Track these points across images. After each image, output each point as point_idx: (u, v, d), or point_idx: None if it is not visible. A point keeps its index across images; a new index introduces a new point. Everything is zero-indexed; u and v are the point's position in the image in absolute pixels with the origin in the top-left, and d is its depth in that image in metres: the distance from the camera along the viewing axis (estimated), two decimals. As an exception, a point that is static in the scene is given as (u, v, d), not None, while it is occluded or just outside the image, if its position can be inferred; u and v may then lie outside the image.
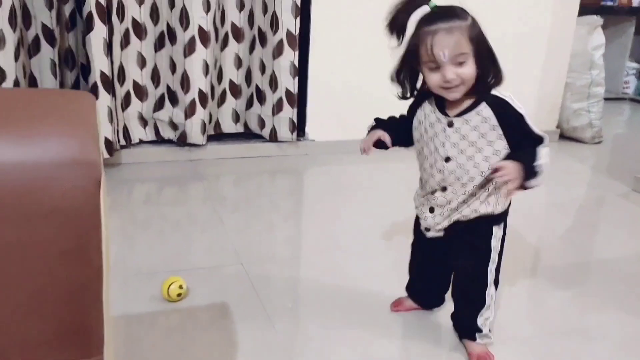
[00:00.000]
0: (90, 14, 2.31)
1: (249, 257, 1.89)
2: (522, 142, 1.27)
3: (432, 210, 1.35)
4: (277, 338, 1.48)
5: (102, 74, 2.40)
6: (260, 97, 2.86)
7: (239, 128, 2.97)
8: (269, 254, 1.96)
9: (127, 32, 2.55)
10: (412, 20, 1.19)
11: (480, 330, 1.42)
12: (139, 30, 2.59)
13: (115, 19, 2.46)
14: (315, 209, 2.43)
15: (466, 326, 1.45)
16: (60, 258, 0.66)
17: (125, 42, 2.56)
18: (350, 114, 2.92)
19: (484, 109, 1.25)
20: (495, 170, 1.21)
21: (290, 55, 2.72)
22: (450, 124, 1.25)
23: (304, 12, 2.75)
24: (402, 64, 1.25)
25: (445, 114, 1.26)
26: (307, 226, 2.26)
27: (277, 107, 2.82)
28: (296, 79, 2.78)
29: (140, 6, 2.55)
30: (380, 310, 1.61)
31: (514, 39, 3.21)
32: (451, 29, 1.15)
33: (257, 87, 2.86)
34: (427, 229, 1.38)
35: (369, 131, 1.38)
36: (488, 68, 1.21)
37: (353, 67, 2.95)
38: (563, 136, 3.61)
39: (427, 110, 1.29)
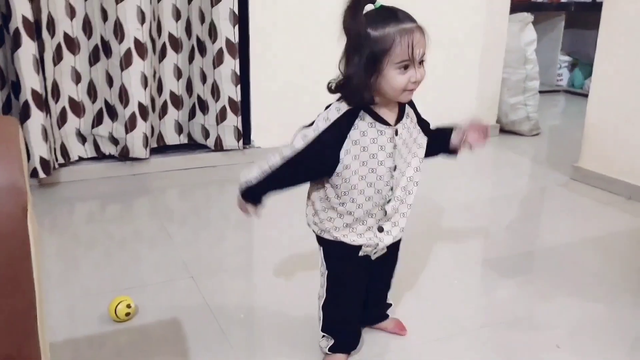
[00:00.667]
0: (17, 30, 2.22)
1: (199, 270, 1.86)
2: (426, 128, 1.32)
3: (381, 229, 1.30)
4: (232, 352, 1.46)
5: (34, 91, 2.32)
6: (203, 106, 2.82)
7: (183, 139, 2.92)
8: (220, 266, 1.93)
9: (59, 47, 2.47)
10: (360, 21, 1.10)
11: (390, 305, 1.53)
12: (72, 44, 2.51)
13: (45, 34, 2.38)
14: (266, 217, 2.40)
15: (380, 309, 1.53)
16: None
17: (57, 57, 2.47)
18: (294, 119, 2.85)
19: (409, 110, 1.27)
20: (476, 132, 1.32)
21: (231, 64, 2.70)
22: (397, 133, 1.21)
23: (241, 19, 2.73)
24: (360, 70, 1.12)
25: (386, 124, 1.20)
26: (257, 235, 2.24)
27: (221, 116, 2.79)
28: (238, 86, 2.76)
29: (71, 20, 2.48)
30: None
31: (450, 38, 3.29)
32: (421, 29, 1.13)
33: (198, 97, 2.82)
34: (375, 252, 1.33)
35: (249, 196, 1.29)
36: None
37: (294, 72, 2.95)
38: (503, 130, 3.72)
39: (363, 127, 1.18)
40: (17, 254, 0.64)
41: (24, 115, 2.34)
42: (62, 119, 2.57)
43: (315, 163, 1.22)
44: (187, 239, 2.10)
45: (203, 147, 2.92)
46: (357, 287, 1.38)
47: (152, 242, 2.07)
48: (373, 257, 1.34)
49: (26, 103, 2.32)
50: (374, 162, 1.20)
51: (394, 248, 1.39)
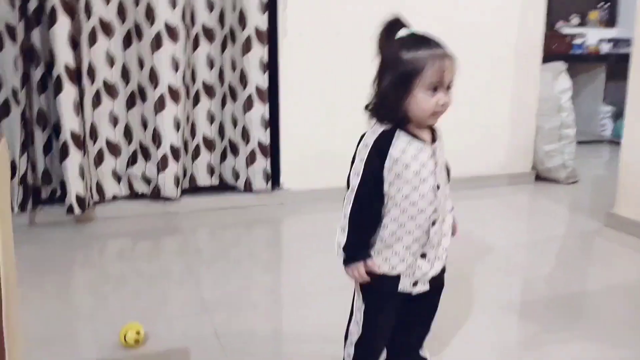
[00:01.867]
0: (59, 77, 2.40)
1: (216, 306, 1.88)
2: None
3: (424, 255, 1.25)
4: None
5: (72, 132, 2.47)
6: (234, 149, 2.92)
7: (214, 181, 3.01)
8: (237, 302, 1.95)
9: (98, 92, 2.64)
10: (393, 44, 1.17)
11: (425, 359, 1.44)
12: (111, 90, 2.68)
13: (86, 80, 2.55)
14: (293, 258, 2.43)
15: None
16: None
17: (97, 101, 2.64)
18: (323, 162, 2.97)
19: (440, 134, 1.28)
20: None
21: (260, 109, 2.80)
22: (434, 151, 1.23)
23: (272, 66, 2.85)
24: (392, 90, 1.17)
25: (424, 141, 1.21)
26: (283, 276, 2.26)
27: (251, 159, 2.87)
28: (268, 130, 2.85)
29: (111, 67, 2.65)
30: None
31: (483, 87, 3.31)
32: (451, 55, 1.17)
33: (230, 140, 2.93)
34: (415, 283, 1.26)
35: (350, 259, 1.23)
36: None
37: (322, 117, 3.02)
38: (539, 177, 3.66)
39: (403, 144, 1.19)
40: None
41: (63, 154, 2.49)
42: (99, 159, 2.71)
43: (377, 189, 1.21)
44: (211, 276, 2.13)
45: (233, 189, 3.00)
46: (388, 328, 1.33)
47: (177, 279, 2.11)
48: (414, 292, 1.26)
49: (65, 143, 2.47)
50: (417, 180, 1.20)
51: (435, 290, 1.32)
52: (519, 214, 3.12)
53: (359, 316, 1.30)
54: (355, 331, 1.31)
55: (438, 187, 1.23)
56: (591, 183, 3.71)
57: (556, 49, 4.71)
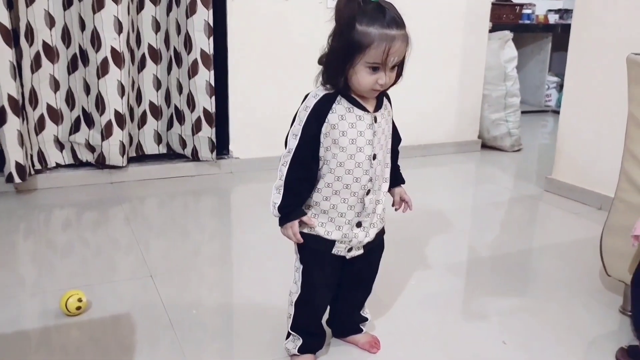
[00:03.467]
0: (-7, 37, 2.30)
1: (161, 271, 1.88)
2: (395, 138, 1.34)
3: (359, 224, 1.27)
4: (177, 345, 1.47)
5: (10, 97, 2.37)
6: (180, 117, 2.87)
7: (162, 149, 2.96)
8: (181, 267, 1.95)
9: (37, 55, 2.54)
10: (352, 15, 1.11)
11: (366, 319, 1.47)
12: (51, 53, 2.58)
13: (23, 42, 2.45)
14: (241, 226, 2.43)
15: (353, 322, 1.47)
16: None
17: (36, 65, 2.54)
18: (273, 130, 2.96)
19: (386, 103, 1.27)
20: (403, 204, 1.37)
21: (205, 75, 2.75)
22: (375, 119, 1.22)
23: (219, 32, 2.80)
24: (339, 55, 1.14)
25: (365, 110, 1.20)
26: (228, 241, 2.26)
27: (197, 127, 2.83)
28: (213, 98, 2.80)
29: (50, 29, 2.55)
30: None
31: (430, 55, 3.34)
32: (404, 37, 1.13)
33: (176, 107, 2.88)
34: (350, 249, 1.29)
35: (284, 218, 1.24)
36: (401, 72, 1.21)
37: (272, 84, 3.00)
38: (485, 145, 3.75)
39: (342, 111, 1.18)
40: None
41: (0, 120, 2.39)
42: (40, 126, 2.62)
43: (313, 152, 1.21)
44: (158, 245, 2.12)
45: (181, 157, 2.96)
46: (329, 286, 1.35)
47: (123, 248, 2.08)
48: (348, 257, 1.30)
49: (2, 108, 2.38)
50: (353, 148, 1.19)
51: (373, 255, 1.36)
52: (465, 181, 3.20)
53: (297, 276, 1.32)
54: (295, 290, 1.33)
55: (374, 157, 1.22)
56: (534, 151, 3.83)
57: (505, 18, 4.79)
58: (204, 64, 2.73)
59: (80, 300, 1.58)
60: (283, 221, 1.24)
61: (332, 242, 1.27)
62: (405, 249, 2.11)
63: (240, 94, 2.97)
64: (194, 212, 2.55)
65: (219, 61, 2.84)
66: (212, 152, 2.86)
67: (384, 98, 1.27)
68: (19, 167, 2.45)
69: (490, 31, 3.61)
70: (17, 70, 2.40)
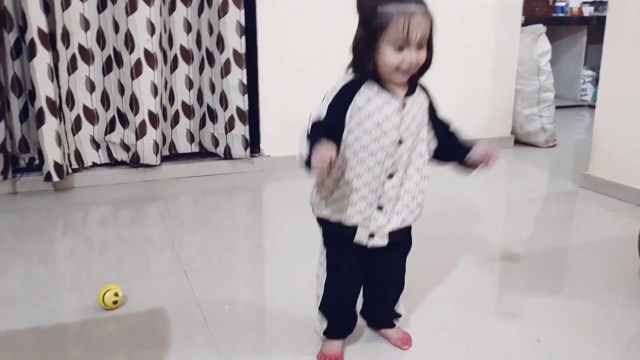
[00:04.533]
0: (32, 41, 2.36)
1: (194, 267, 1.91)
2: (441, 127, 1.32)
3: (380, 207, 1.26)
4: (212, 342, 1.50)
5: (48, 98, 2.44)
6: (212, 116, 2.91)
7: (194, 148, 3.01)
8: (215, 264, 1.98)
9: (73, 57, 2.60)
10: None
11: (399, 315, 1.46)
12: (86, 55, 2.64)
13: (60, 45, 2.51)
14: (273, 224, 2.45)
15: (385, 317, 1.47)
16: None
17: (72, 67, 2.61)
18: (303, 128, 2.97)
19: (420, 92, 1.26)
20: (484, 157, 1.28)
21: (238, 74, 2.78)
22: (404, 105, 1.21)
23: (249, 31, 2.82)
24: (365, 41, 1.17)
25: (393, 94, 1.20)
26: (261, 239, 2.29)
27: (229, 125, 2.86)
28: (245, 96, 2.83)
29: (86, 32, 2.61)
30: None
31: (462, 49, 3.31)
32: (425, 12, 1.14)
33: (208, 106, 2.91)
34: (372, 235, 1.27)
35: (310, 145, 1.16)
36: (431, 55, 1.20)
37: (302, 82, 3.01)
38: (518, 141, 3.69)
39: (369, 94, 1.19)
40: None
41: (39, 121, 2.47)
42: (77, 126, 2.69)
43: (334, 128, 1.20)
44: (192, 242, 2.15)
45: (213, 155, 3.00)
46: (352, 274, 1.35)
47: (158, 245, 2.12)
48: (369, 245, 1.28)
49: (41, 110, 2.45)
50: (378, 131, 1.19)
51: (397, 251, 1.36)
52: (498, 177, 3.16)
53: (322, 258, 1.35)
54: (322, 272, 1.36)
55: (400, 142, 1.22)
56: (570, 147, 3.76)
57: (539, 12, 4.71)
58: (237, 63, 2.76)
59: (116, 294, 1.62)
60: (310, 157, 1.14)
61: (353, 229, 1.27)
62: (438, 245, 2.09)
63: (271, 92, 2.99)
64: (227, 210, 2.58)
65: (249, 60, 2.86)
66: (245, 149, 2.90)
67: (418, 87, 1.26)
68: (57, 166, 2.52)
69: (523, 25, 3.55)
70: (54, 73, 2.47)
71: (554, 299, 1.72)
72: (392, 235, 1.29)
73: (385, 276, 1.41)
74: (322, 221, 1.32)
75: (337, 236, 1.30)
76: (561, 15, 4.85)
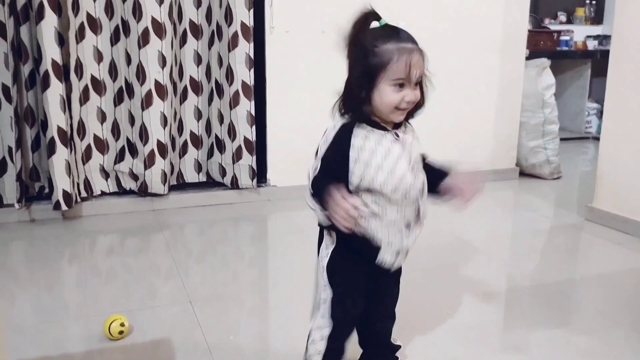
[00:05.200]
0: (46, 73, 2.42)
1: (199, 298, 1.92)
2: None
3: (408, 225, 1.24)
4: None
5: (59, 128, 2.49)
6: (220, 146, 2.95)
7: (202, 177, 3.04)
8: (220, 295, 1.99)
9: (86, 88, 2.66)
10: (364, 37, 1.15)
11: (399, 347, 1.47)
12: (98, 86, 2.70)
13: (73, 76, 2.57)
14: (279, 254, 2.46)
15: (387, 351, 1.45)
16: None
17: (84, 98, 2.66)
18: (309, 158, 2.98)
19: (412, 129, 1.26)
20: (459, 188, 1.25)
21: (246, 105, 2.83)
22: (397, 135, 1.20)
23: (258, 63, 2.88)
24: (359, 82, 1.15)
25: (384, 129, 1.19)
26: (266, 270, 2.30)
27: (237, 155, 2.90)
28: (253, 127, 2.88)
29: (99, 64, 2.68)
30: None
31: (467, 82, 3.35)
32: (421, 51, 1.15)
33: (216, 136, 2.96)
34: (398, 253, 1.24)
35: (323, 196, 1.15)
36: (424, 93, 1.20)
37: (309, 113, 3.05)
38: (523, 173, 3.71)
39: (364, 132, 1.17)
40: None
41: (50, 150, 2.51)
42: (87, 155, 2.73)
43: (331, 180, 1.16)
44: (198, 272, 2.16)
45: (221, 185, 3.03)
46: (360, 286, 1.29)
47: (164, 274, 2.13)
48: (394, 266, 1.24)
49: (52, 139, 2.50)
50: (389, 162, 1.17)
51: (399, 272, 1.35)
52: (502, 209, 3.17)
53: (324, 309, 1.28)
54: (324, 325, 1.29)
55: (413, 167, 1.20)
56: (574, 179, 3.77)
57: (543, 45, 4.77)
58: (245, 95, 2.82)
59: (122, 324, 1.64)
60: (320, 195, 1.16)
61: (377, 249, 1.22)
62: (441, 277, 2.10)
63: (278, 123, 3.04)
64: (233, 239, 2.60)
65: (257, 92, 2.91)
66: (252, 179, 2.93)
67: (410, 125, 1.26)
68: (66, 195, 2.56)
69: (528, 58, 3.60)
70: (66, 103, 2.52)
71: (559, 332, 1.72)
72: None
73: (387, 304, 1.38)
74: (339, 241, 1.25)
75: (352, 259, 1.24)
76: (565, 49, 4.92)
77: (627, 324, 1.77)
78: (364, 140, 1.17)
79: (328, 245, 1.27)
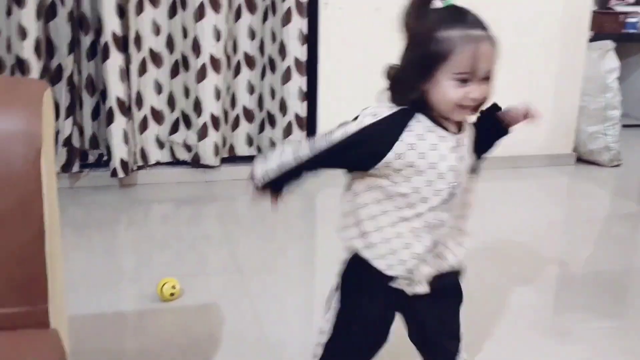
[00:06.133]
0: (106, 44, 2.50)
1: (248, 267, 1.97)
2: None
3: (435, 245, 1.04)
4: (264, 340, 1.54)
5: (118, 99, 2.57)
6: (272, 121, 2.98)
7: (252, 151, 3.08)
8: (268, 266, 2.03)
9: (144, 60, 2.73)
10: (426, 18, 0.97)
11: None
12: (156, 59, 2.77)
13: (132, 48, 2.64)
14: (327, 227, 2.49)
15: None
16: (3, 219, 0.75)
17: (142, 70, 2.73)
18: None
19: (469, 125, 1.08)
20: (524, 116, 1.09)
21: (298, 81, 2.84)
22: (459, 142, 1.02)
23: (311, 39, 2.88)
24: (415, 70, 0.98)
25: (447, 130, 1.01)
26: (314, 243, 2.33)
27: (287, 131, 2.92)
28: (305, 103, 2.89)
29: (157, 36, 2.74)
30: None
31: (525, 62, 3.26)
32: (492, 39, 0.95)
33: (268, 111, 2.99)
34: (413, 281, 1.05)
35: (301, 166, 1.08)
36: (491, 87, 0.99)
37: (361, 90, 3.03)
38: (580, 160, 3.59)
39: (420, 130, 0.98)
40: (30, 191, 0.76)
41: (109, 120, 2.60)
42: (144, 126, 2.81)
43: (351, 157, 1.04)
44: (247, 242, 2.21)
45: (271, 160, 3.06)
46: (373, 335, 1.12)
47: (215, 243, 2.20)
48: (410, 292, 1.06)
49: (111, 109, 2.58)
50: (433, 174, 0.99)
51: (445, 300, 1.12)
52: (558, 196, 3.09)
53: (329, 316, 1.14)
54: (326, 330, 1.14)
55: (457, 187, 1.02)
56: (635, 167, 3.62)
57: (607, 27, 4.57)
58: (297, 71, 2.83)
59: (174, 287, 1.70)
60: (264, 189, 1.11)
61: (389, 278, 1.05)
62: (492, 264, 2.07)
63: (330, 99, 3.04)
64: (282, 213, 2.63)
65: (310, 68, 2.92)
66: (301, 155, 2.95)
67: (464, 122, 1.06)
68: (123, 163, 2.65)
69: (591, 40, 3.46)
70: (125, 74, 2.60)
71: (613, 322, 1.69)
72: (435, 282, 1.07)
73: (443, 322, 1.14)
74: (354, 261, 1.12)
75: (364, 278, 1.09)
76: (632, 31, 4.69)
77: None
78: (417, 138, 0.98)
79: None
